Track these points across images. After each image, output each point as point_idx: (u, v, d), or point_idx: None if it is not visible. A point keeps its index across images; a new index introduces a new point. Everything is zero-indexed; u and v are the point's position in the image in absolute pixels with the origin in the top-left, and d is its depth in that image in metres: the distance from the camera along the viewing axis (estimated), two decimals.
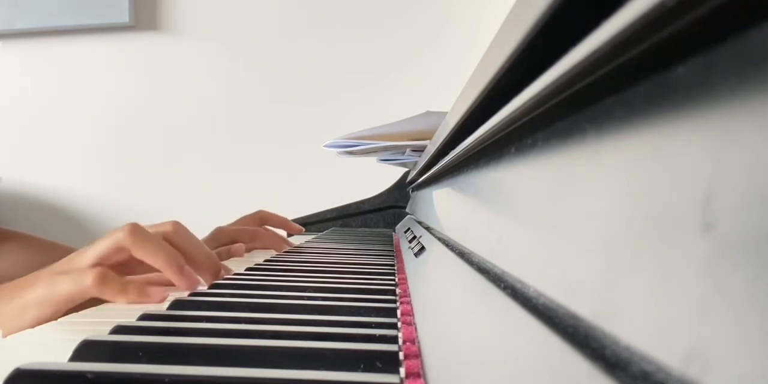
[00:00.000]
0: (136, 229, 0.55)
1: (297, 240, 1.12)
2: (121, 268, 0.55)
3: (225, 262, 0.71)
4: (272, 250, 0.95)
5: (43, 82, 2.12)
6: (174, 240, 0.58)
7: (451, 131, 0.46)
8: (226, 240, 0.92)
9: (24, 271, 0.57)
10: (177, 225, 0.59)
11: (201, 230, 0.95)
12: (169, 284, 0.57)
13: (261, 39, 2.02)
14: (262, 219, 1.01)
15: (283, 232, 1.09)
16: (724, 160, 0.11)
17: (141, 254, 0.54)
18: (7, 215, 2.13)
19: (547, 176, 0.23)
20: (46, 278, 0.53)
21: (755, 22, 0.11)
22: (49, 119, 2.12)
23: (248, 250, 0.95)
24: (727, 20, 0.11)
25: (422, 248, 0.61)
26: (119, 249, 0.54)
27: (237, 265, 0.69)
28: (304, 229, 1.13)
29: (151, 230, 0.57)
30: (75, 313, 0.50)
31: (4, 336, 0.42)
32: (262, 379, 0.27)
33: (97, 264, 0.54)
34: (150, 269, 0.57)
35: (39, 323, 0.49)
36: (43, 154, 2.12)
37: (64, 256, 0.57)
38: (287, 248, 0.93)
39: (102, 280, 0.51)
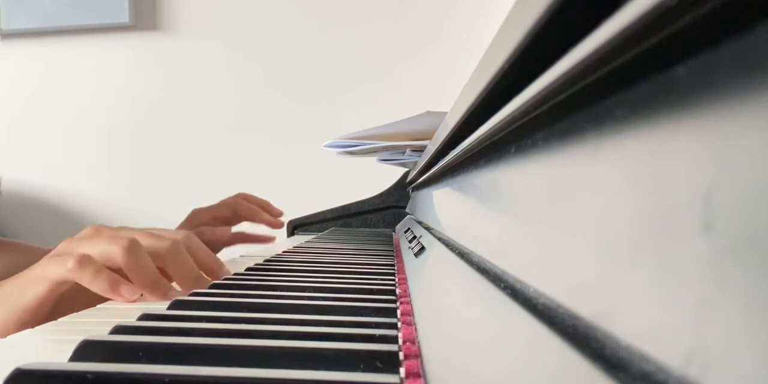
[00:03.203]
0: (132, 251, 0.55)
1: (297, 240, 1.12)
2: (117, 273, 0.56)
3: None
4: (269, 251, 0.95)
5: (43, 82, 2.13)
6: (171, 261, 0.58)
7: (451, 131, 0.46)
8: (205, 219, 0.92)
9: (5, 275, 0.58)
10: (175, 246, 0.59)
11: None
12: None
13: (261, 39, 2.02)
14: (241, 201, 1.01)
15: (264, 229, 1.08)
16: (724, 160, 0.11)
17: (130, 274, 0.55)
18: (6, 216, 2.13)
19: (547, 176, 0.23)
20: (44, 259, 0.55)
21: (755, 22, 0.11)
22: (48, 119, 2.12)
23: (233, 224, 0.95)
24: (727, 20, 0.11)
25: (422, 248, 0.61)
26: (109, 261, 0.55)
27: (236, 266, 0.69)
28: (283, 213, 1.11)
29: (149, 244, 0.57)
30: (75, 313, 0.50)
31: (4, 334, 0.42)
32: (262, 379, 0.27)
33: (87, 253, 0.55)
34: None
35: (37, 301, 0.51)
36: (42, 153, 2.12)
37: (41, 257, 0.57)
38: (268, 219, 0.94)
39: (81, 264, 0.52)
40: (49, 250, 0.79)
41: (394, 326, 0.38)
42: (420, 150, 1.05)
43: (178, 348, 0.31)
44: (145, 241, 0.57)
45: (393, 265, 0.69)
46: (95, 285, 0.53)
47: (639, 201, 0.15)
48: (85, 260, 0.53)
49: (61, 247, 0.57)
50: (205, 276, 0.61)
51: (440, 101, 1.17)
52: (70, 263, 0.52)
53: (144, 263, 0.55)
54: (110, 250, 0.55)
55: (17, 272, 0.56)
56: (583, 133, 0.19)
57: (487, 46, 0.31)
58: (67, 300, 0.55)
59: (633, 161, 0.15)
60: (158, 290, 0.55)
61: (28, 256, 0.85)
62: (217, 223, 0.95)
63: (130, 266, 0.54)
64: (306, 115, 1.99)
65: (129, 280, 0.55)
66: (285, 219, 1.12)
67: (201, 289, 0.60)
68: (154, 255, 0.57)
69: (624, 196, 0.16)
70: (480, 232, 0.34)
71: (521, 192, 0.27)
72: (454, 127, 0.44)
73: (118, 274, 0.54)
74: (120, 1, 2.04)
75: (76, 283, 0.54)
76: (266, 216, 1.01)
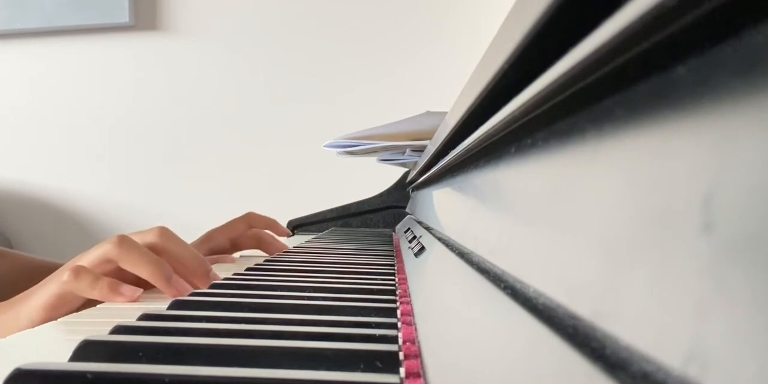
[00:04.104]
0: (123, 241, 0.55)
1: (297, 240, 1.12)
2: (114, 277, 0.56)
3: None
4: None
5: (43, 83, 2.12)
6: (161, 247, 0.59)
7: (451, 131, 0.46)
8: (221, 240, 0.92)
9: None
10: (163, 231, 0.60)
11: (202, 230, 0.95)
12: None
13: (261, 39, 2.02)
14: (250, 221, 1.00)
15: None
16: (724, 160, 0.11)
17: (128, 266, 0.55)
18: (6, 216, 2.13)
19: (547, 176, 0.23)
20: (37, 287, 0.55)
21: (755, 22, 0.11)
22: (48, 119, 2.12)
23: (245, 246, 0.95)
24: (727, 20, 0.11)
25: (422, 248, 0.61)
26: (107, 260, 0.55)
27: (236, 266, 0.69)
28: (291, 233, 1.11)
29: (137, 239, 0.57)
30: (75, 313, 0.50)
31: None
32: (262, 379, 0.27)
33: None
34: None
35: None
36: (42, 154, 2.12)
37: (38, 269, 0.58)
38: (283, 230, 0.96)
39: (76, 275, 0.52)
40: (43, 261, 0.79)
41: (394, 326, 0.38)
42: (420, 150, 1.05)
43: (178, 348, 0.31)
44: (133, 237, 0.57)
45: (393, 265, 0.69)
46: (95, 292, 0.53)
47: (639, 201, 0.15)
48: (79, 270, 0.53)
49: (59, 270, 0.57)
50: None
51: (440, 101, 1.17)
52: (65, 276, 0.53)
53: (138, 250, 0.55)
54: (103, 250, 0.55)
55: (7, 282, 0.57)
56: (583, 133, 0.19)
57: (487, 46, 0.31)
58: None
59: (633, 161, 0.15)
60: (161, 274, 0.55)
61: (21, 266, 0.85)
62: (231, 245, 0.94)
63: (125, 256, 0.55)
64: (306, 115, 1.99)
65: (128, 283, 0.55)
66: (285, 219, 1.12)
67: (204, 271, 0.61)
68: (149, 247, 0.58)
69: (624, 196, 0.16)
70: (480, 232, 0.34)
71: (521, 192, 0.27)
72: (454, 127, 0.44)
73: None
74: (120, 1, 2.04)
75: (81, 304, 0.54)
76: (280, 228, 1.01)
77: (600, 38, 0.15)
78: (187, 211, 1.99)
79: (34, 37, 2.11)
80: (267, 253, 0.96)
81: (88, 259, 0.56)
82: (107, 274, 0.55)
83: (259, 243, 0.96)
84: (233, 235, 0.94)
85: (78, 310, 0.53)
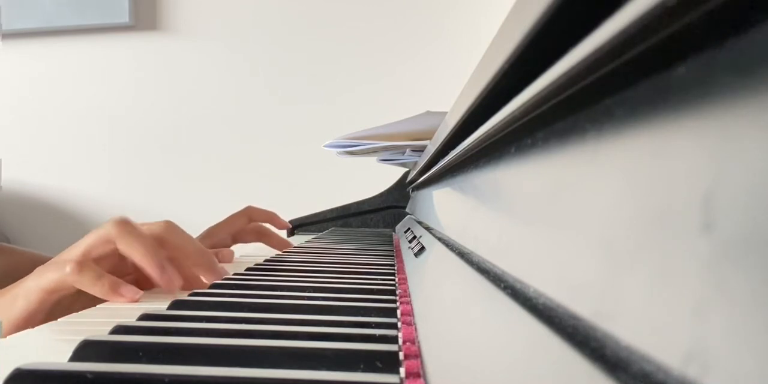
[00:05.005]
0: (122, 222, 0.56)
1: (297, 240, 1.12)
2: (113, 272, 0.56)
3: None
4: (269, 251, 0.95)
5: (43, 83, 2.12)
6: (165, 239, 0.59)
7: (451, 131, 0.46)
8: (222, 236, 0.92)
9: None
10: (169, 224, 0.60)
11: (201, 230, 0.95)
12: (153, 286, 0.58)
13: (261, 39, 2.02)
14: (250, 215, 1.00)
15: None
16: (725, 160, 0.11)
17: (124, 247, 0.55)
18: (6, 216, 2.13)
19: (546, 176, 0.23)
20: (36, 271, 0.55)
21: (755, 22, 0.11)
22: (48, 119, 2.12)
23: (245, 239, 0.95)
24: (727, 20, 0.11)
25: (422, 248, 0.61)
26: (106, 241, 0.55)
27: (236, 266, 0.69)
28: (290, 225, 1.12)
29: (143, 229, 0.58)
30: (75, 313, 0.50)
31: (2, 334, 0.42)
32: (262, 379, 0.27)
33: (85, 256, 0.55)
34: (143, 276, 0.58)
35: (27, 313, 0.51)
36: (42, 154, 2.12)
37: (41, 264, 0.57)
38: (282, 223, 0.96)
39: (80, 269, 0.52)
40: (46, 257, 0.79)
41: (394, 326, 0.38)
42: (420, 150, 1.05)
43: (178, 348, 0.31)
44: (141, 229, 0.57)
45: (393, 265, 0.69)
46: (96, 288, 0.53)
47: (639, 201, 0.15)
48: (83, 264, 0.53)
49: (60, 255, 0.57)
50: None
51: (440, 101, 1.17)
52: (68, 268, 0.52)
53: (137, 233, 0.55)
54: (104, 229, 0.55)
55: (10, 277, 0.57)
56: (583, 133, 0.19)
57: (487, 46, 0.31)
58: (65, 307, 0.55)
59: (633, 161, 0.15)
60: (155, 260, 0.55)
61: (24, 262, 0.85)
62: (232, 240, 0.95)
63: (124, 237, 0.55)
64: (306, 115, 1.99)
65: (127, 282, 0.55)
66: (284, 219, 1.12)
67: (209, 265, 0.61)
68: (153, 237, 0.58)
69: (624, 196, 0.16)
70: (480, 232, 0.34)
71: (521, 192, 0.27)
72: (454, 127, 0.44)
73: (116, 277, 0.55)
74: (120, 1, 2.04)
75: (74, 292, 0.54)
76: (280, 220, 1.02)
77: (600, 38, 0.15)
78: (187, 211, 1.99)
79: (34, 37, 2.11)
80: (269, 245, 0.96)
81: (88, 240, 0.56)
82: (106, 258, 0.55)
83: (260, 236, 0.96)
84: (234, 230, 0.94)
85: (76, 305, 0.53)
